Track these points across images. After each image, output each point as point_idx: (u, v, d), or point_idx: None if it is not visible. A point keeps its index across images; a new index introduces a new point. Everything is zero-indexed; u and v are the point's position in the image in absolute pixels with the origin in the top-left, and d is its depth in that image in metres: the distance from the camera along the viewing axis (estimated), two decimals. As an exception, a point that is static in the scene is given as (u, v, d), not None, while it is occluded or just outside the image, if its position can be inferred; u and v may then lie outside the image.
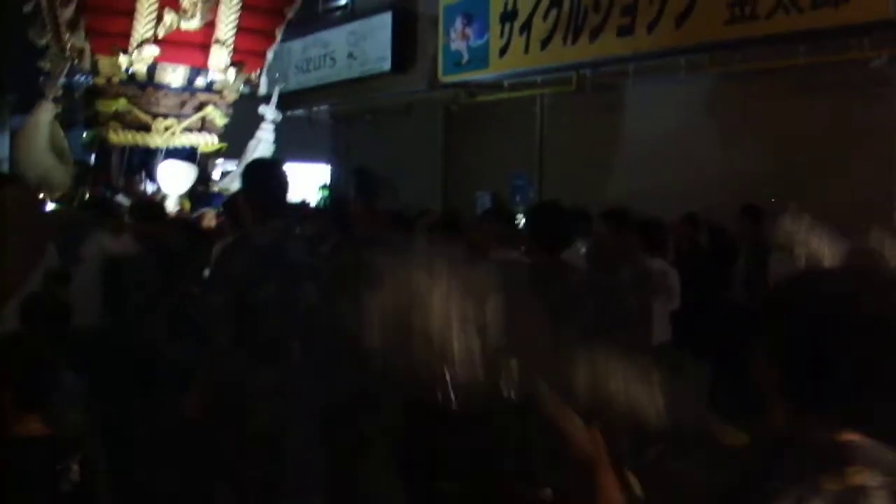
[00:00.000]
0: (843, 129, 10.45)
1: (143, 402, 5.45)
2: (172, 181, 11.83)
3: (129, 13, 11.24)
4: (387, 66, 16.51)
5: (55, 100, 11.69)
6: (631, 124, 13.02)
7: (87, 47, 11.19)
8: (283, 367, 4.68)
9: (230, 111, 13.10)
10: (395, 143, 17.90)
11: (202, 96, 12.27)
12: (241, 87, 12.73)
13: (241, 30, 12.00)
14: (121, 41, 11.32)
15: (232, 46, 12.00)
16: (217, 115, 12.41)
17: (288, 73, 19.27)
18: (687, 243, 9.35)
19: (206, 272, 5.83)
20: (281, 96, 19.50)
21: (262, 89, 12.92)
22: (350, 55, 17.45)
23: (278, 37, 12.56)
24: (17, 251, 5.16)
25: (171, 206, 11.69)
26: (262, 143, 12.87)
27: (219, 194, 12.29)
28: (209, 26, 11.75)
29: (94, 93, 11.67)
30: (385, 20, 16.58)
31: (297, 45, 19.12)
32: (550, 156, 14.81)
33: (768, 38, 10.45)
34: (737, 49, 10.95)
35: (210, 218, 10.08)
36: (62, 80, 11.59)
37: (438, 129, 17.30)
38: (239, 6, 11.83)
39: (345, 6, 18.45)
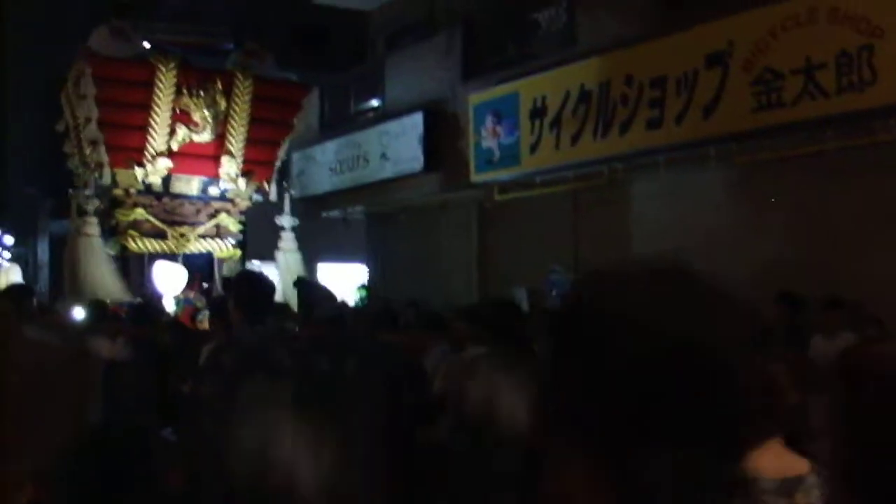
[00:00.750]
0: (876, 212, 10.45)
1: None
2: (166, 282, 12.18)
3: (143, 128, 11.83)
4: (419, 166, 16.69)
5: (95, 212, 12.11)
6: (663, 214, 13.05)
7: (107, 161, 11.65)
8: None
9: (243, 217, 13.40)
10: (431, 242, 18.03)
11: (216, 204, 12.80)
12: (253, 194, 13.12)
13: (249, 141, 12.56)
14: (136, 155, 11.92)
15: (241, 157, 12.53)
16: (230, 222, 12.97)
17: (321, 175, 19.57)
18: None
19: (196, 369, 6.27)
20: (315, 198, 19.85)
21: (273, 196, 13.37)
22: (383, 156, 17.67)
23: (286, 145, 12.91)
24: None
25: (171, 307, 12.05)
26: (288, 254, 13.14)
27: None
28: (220, 138, 12.32)
29: (113, 203, 12.16)
30: (416, 121, 16.81)
31: (330, 146, 19.42)
32: (585, 248, 14.84)
33: (796, 124, 10.53)
34: (765, 137, 11.02)
35: (204, 321, 10.41)
36: (90, 191, 12.00)
37: (473, 226, 17.41)
38: (247, 119, 12.39)
39: (376, 108, 18.75)
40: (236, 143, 12.40)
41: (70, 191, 12.79)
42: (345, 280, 22.57)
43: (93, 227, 11.92)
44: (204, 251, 12.74)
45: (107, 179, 11.82)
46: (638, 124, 12.41)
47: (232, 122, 12.26)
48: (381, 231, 20.46)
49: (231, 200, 12.84)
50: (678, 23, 11.96)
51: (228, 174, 12.35)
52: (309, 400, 4.70)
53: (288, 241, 13.48)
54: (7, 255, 25.10)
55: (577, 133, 13.38)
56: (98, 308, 9.58)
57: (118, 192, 12.07)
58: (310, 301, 7.09)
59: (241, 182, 12.51)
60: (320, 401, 4.93)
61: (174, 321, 10.52)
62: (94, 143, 11.68)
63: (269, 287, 5.88)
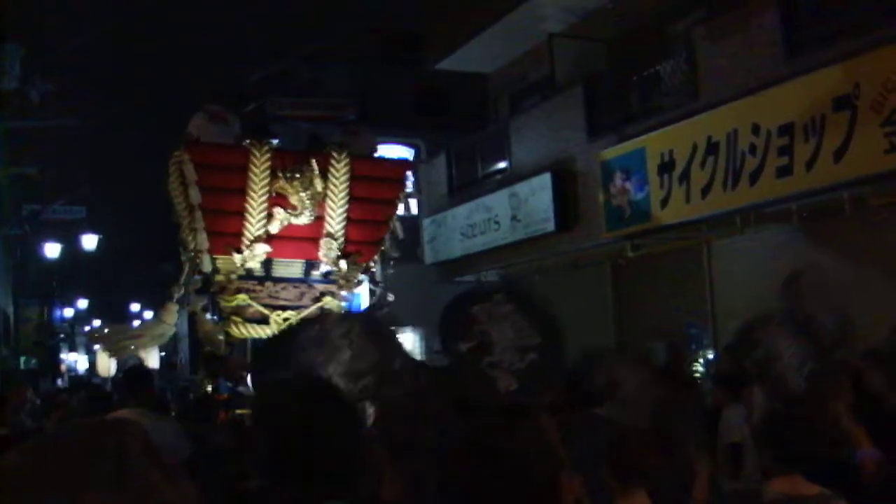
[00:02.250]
0: None
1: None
2: None
3: (240, 213, 11.79)
4: (551, 226, 16.69)
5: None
6: (798, 262, 12.75)
7: (206, 248, 11.68)
8: None
9: (349, 299, 13.35)
10: (565, 300, 17.91)
11: (320, 287, 12.46)
12: (359, 276, 12.83)
13: (350, 221, 12.29)
14: (234, 241, 11.84)
15: (342, 238, 12.28)
16: (335, 306, 12.50)
17: (453, 239, 19.71)
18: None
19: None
20: (448, 263, 19.97)
21: (379, 276, 13.07)
22: (514, 217, 17.73)
23: (392, 225, 12.78)
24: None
25: None
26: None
27: None
28: (319, 220, 12.11)
29: (216, 290, 12.14)
30: (545, 181, 16.84)
31: (460, 211, 19.57)
32: (722, 301, 14.60)
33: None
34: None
35: None
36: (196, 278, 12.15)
37: (607, 283, 17.32)
38: (346, 199, 12.15)
39: (504, 170, 18.84)
40: (336, 223, 12.19)
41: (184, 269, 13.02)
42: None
43: (200, 302, 12.22)
44: None
45: (207, 266, 11.82)
46: (767, 173, 12.18)
47: (330, 202, 12.10)
48: (516, 292, 20.45)
49: (336, 283, 12.51)
50: (802, 68, 11.76)
51: (329, 256, 12.19)
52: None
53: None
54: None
55: (706, 185, 13.21)
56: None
57: (220, 278, 12.02)
58: None
59: (343, 264, 12.26)
60: None
61: (235, 421, 10.45)
62: (194, 230, 11.74)
63: None
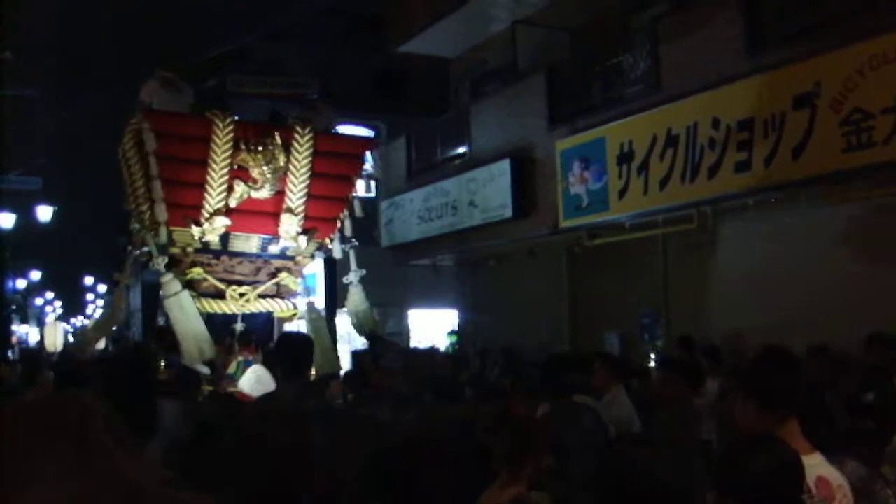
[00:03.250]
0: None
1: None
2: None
3: (200, 185, 11.57)
4: (508, 213, 16.72)
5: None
6: (755, 256, 12.94)
7: (164, 219, 11.46)
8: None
9: (304, 276, 13.38)
10: (521, 287, 18.04)
11: (276, 263, 12.42)
12: (315, 253, 12.84)
13: (310, 197, 12.17)
14: (193, 213, 11.65)
15: (302, 214, 12.15)
16: (291, 282, 12.55)
17: (410, 223, 19.71)
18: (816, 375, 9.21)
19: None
20: (404, 246, 19.98)
21: (337, 254, 12.92)
22: (471, 203, 17.75)
23: (351, 202, 12.67)
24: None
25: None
26: (359, 311, 12.92)
27: None
28: (279, 195, 12.00)
29: (170, 263, 11.85)
30: (504, 167, 16.86)
31: (418, 194, 19.55)
32: (676, 292, 14.76)
33: (888, 164, 10.35)
34: (856, 177, 10.86)
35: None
36: (154, 251, 11.81)
37: (563, 272, 17.42)
38: (307, 175, 12.04)
39: (463, 155, 18.84)
40: (296, 199, 12.04)
41: (128, 249, 12.76)
42: (436, 326, 22.67)
43: (175, 283, 11.58)
44: (264, 311, 12.39)
45: (163, 238, 11.58)
46: (726, 167, 12.30)
47: (292, 177, 11.95)
48: (471, 278, 20.54)
49: (292, 259, 12.47)
50: (764, 64, 11.88)
51: (288, 232, 12.04)
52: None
53: (356, 297, 13.09)
54: (101, 302, 25.74)
55: (665, 177, 13.31)
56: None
57: (175, 250, 11.80)
58: (378, 354, 8.05)
59: (302, 240, 12.14)
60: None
61: (218, 393, 10.41)
62: (152, 202, 11.49)
63: (306, 346, 6.89)
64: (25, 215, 33.08)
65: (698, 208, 13.25)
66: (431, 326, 22.95)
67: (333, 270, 17.97)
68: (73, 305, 78.16)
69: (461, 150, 18.98)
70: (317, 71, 19.74)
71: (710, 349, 11.85)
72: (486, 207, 17.34)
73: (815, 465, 3.62)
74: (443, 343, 20.70)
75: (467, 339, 19.84)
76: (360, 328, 12.88)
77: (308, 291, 13.70)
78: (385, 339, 11.38)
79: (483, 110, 18.45)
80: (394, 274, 20.99)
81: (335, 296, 18.01)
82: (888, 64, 10.28)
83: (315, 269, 15.56)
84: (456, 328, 21.28)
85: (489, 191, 17.22)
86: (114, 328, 13.38)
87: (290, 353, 6.78)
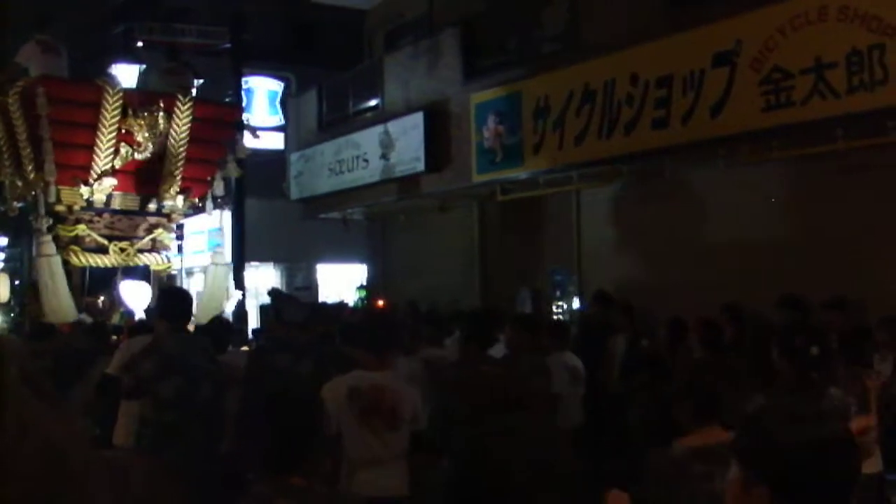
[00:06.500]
0: (889, 213, 10.38)
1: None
2: (134, 299, 12.82)
3: (89, 148, 12.33)
4: (420, 166, 16.52)
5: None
6: (668, 215, 12.98)
7: (53, 179, 12.08)
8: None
9: (177, 232, 14.66)
10: (432, 242, 17.93)
11: (152, 220, 13.39)
12: (188, 210, 13.88)
13: (187, 160, 13.09)
14: (82, 173, 12.41)
15: (180, 175, 13.10)
16: (166, 237, 13.65)
17: (320, 176, 19.43)
18: (729, 335, 9.29)
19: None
20: (314, 199, 19.74)
21: (209, 212, 13.91)
22: (383, 156, 17.52)
23: (222, 165, 13.59)
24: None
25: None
26: (218, 268, 13.87)
27: None
28: (160, 157, 12.87)
29: (55, 220, 12.60)
30: (417, 120, 16.65)
31: (329, 147, 19.25)
32: (588, 249, 14.77)
33: (805, 124, 10.42)
34: (774, 137, 10.91)
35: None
36: (41, 210, 12.37)
37: (475, 227, 17.34)
38: (185, 139, 12.90)
39: (375, 108, 18.57)
40: (175, 161, 12.99)
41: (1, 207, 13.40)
42: (345, 281, 22.53)
43: (51, 245, 12.35)
44: (142, 264, 13.47)
45: (52, 197, 12.23)
46: (643, 124, 12.28)
47: (172, 141, 12.87)
48: (381, 232, 20.38)
49: (167, 216, 13.50)
50: (684, 21, 11.83)
51: (167, 192, 13.07)
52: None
53: (219, 256, 14.24)
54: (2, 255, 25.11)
55: (581, 133, 13.24)
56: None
57: (61, 208, 12.53)
58: (280, 307, 8.75)
59: (179, 199, 13.24)
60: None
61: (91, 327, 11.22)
62: (40, 162, 12.07)
63: (187, 300, 7.43)
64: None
65: (612, 165, 13.21)
66: (341, 281, 22.81)
67: (241, 224, 17.78)
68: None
69: (374, 102, 18.69)
70: (227, 20, 19.21)
71: (625, 306, 11.85)
72: (398, 161, 17.12)
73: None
74: (352, 298, 20.55)
75: (376, 293, 19.67)
76: (214, 285, 13.80)
77: (214, 240, 14.79)
78: (286, 295, 12.19)
79: (397, 63, 18.15)
80: (302, 227, 20.77)
81: (242, 247, 17.85)
82: (809, 24, 10.31)
83: (220, 222, 15.99)
84: (365, 283, 21.11)
85: (402, 144, 17.00)
86: None
87: (172, 307, 7.26)
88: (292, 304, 9.00)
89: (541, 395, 7.65)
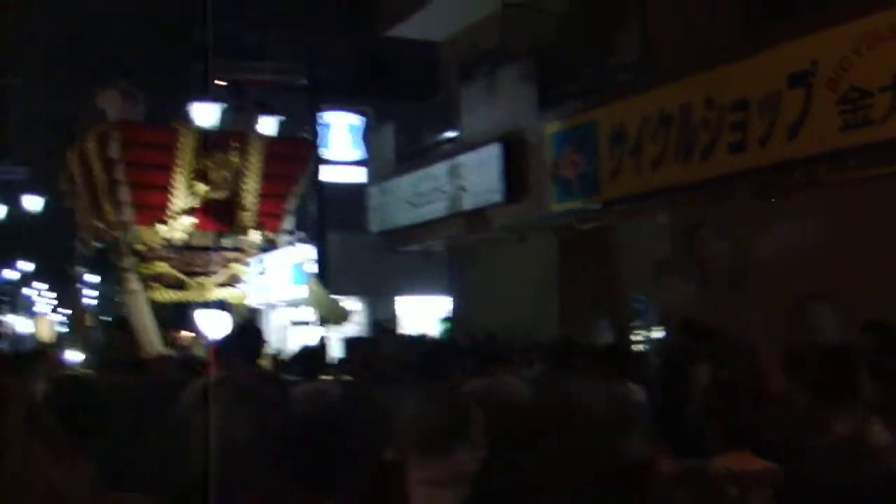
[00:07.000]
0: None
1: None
2: (211, 327, 13.11)
3: (166, 188, 12.87)
4: (498, 197, 16.51)
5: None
6: (750, 238, 12.76)
7: (132, 220, 12.70)
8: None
9: (251, 266, 14.71)
10: (511, 273, 17.84)
11: (229, 255, 13.89)
12: (263, 244, 14.32)
13: (260, 196, 13.70)
14: (160, 213, 12.99)
15: (255, 210, 13.70)
16: (241, 271, 14.09)
17: (399, 208, 19.49)
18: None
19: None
20: (394, 231, 19.80)
21: (282, 245, 14.48)
22: (461, 188, 17.53)
23: (293, 199, 14.13)
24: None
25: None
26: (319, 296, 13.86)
27: None
28: (234, 194, 13.41)
29: (136, 257, 13.13)
30: (493, 151, 16.65)
31: (406, 179, 19.33)
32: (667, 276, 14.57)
33: (885, 143, 10.19)
34: (853, 156, 10.67)
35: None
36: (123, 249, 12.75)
37: (554, 257, 17.21)
38: (259, 175, 13.48)
39: (452, 139, 18.61)
40: (250, 197, 13.54)
41: (77, 244, 13.94)
42: (426, 313, 22.51)
43: (136, 282, 12.89)
44: (220, 298, 13.86)
45: (132, 238, 12.72)
46: (720, 148, 12.12)
47: (245, 178, 13.40)
48: (461, 263, 20.35)
49: (243, 251, 13.96)
50: (757, 44, 11.68)
51: (243, 228, 13.58)
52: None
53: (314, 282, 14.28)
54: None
55: (658, 159, 13.11)
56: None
57: (141, 247, 13.02)
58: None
59: (253, 234, 13.70)
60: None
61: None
62: (119, 203, 12.57)
63: (257, 334, 7.47)
64: (13, 206, 32.95)
65: (689, 190, 13.04)
66: (422, 314, 22.81)
67: (324, 257, 17.91)
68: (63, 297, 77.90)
69: (450, 134, 18.74)
70: (303, 57, 19.47)
71: (706, 333, 11.62)
72: (475, 192, 17.12)
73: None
74: (435, 330, 20.54)
75: (459, 326, 19.63)
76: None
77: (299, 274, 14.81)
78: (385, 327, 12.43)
79: (472, 94, 18.19)
80: (384, 260, 20.84)
81: (325, 280, 17.97)
82: (882, 41, 10.10)
83: (303, 256, 16.07)
84: (448, 315, 21.08)
85: (479, 175, 16.99)
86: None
87: (248, 342, 7.31)
88: (388, 336, 9.35)
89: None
